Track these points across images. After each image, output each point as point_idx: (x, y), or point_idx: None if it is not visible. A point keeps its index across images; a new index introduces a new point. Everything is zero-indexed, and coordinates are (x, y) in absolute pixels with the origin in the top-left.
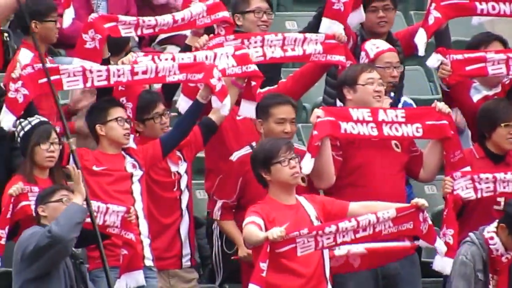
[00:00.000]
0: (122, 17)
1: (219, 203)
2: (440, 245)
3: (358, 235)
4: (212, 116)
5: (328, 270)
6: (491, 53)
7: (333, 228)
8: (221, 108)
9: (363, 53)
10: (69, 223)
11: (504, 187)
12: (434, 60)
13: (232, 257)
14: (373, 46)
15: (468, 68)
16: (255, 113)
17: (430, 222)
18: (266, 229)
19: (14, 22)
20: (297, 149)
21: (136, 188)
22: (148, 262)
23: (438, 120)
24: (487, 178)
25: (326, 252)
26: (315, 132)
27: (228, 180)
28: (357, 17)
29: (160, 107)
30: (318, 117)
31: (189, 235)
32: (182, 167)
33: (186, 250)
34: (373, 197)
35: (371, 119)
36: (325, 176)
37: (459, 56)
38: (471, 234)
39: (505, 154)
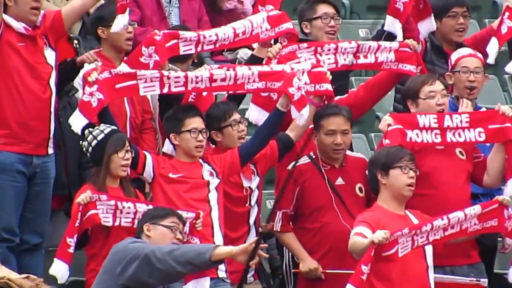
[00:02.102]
0: (183, 34)
1: (279, 214)
2: None
3: (447, 233)
4: (290, 133)
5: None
6: None
7: (428, 226)
8: (298, 118)
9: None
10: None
11: None
12: None
13: (293, 270)
14: (456, 53)
15: None
16: None
17: None
18: None
19: (84, 29)
20: (349, 156)
21: (213, 196)
22: (221, 274)
23: (502, 123)
24: None
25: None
26: (387, 141)
27: (286, 190)
28: (428, 26)
29: (237, 115)
30: (389, 125)
31: None
32: (255, 182)
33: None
34: (440, 206)
35: (436, 125)
36: None
37: None
38: None
39: None
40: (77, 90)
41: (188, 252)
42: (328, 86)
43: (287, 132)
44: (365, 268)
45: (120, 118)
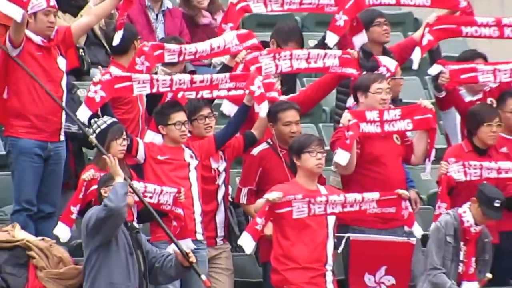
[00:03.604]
0: (168, 45)
1: (245, 190)
2: (416, 229)
3: (345, 209)
4: (254, 131)
5: (330, 256)
6: (481, 65)
7: (323, 198)
8: (259, 111)
9: (383, 68)
10: (118, 195)
11: (488, 173)
12: (435, 69)
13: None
14: (392, 62)
15: (462, 76)
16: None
17: (411, 210)
18: None
19: (88, 41)
20: None
21: (193, 175)
22: (199, 236)
23: (424, 114)
24: (475, 165)
25: (330, 243)
26: (350, 133)
27: (250, 170)
28: (361, 39)
29: (205, 111)
30: (349, 120)
31: (224, 221)
32: (222, 165)
33: (221, 233)
34: (385, 183)
35: (378, 119)
36: (350, 166)
37: (456, 67)
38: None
39: (488, 148)
40: (78, 88)
41: (116, 191)
42: (275, 94)
43: (252, 130)
44: (259, 220)
45: (135, 114)
